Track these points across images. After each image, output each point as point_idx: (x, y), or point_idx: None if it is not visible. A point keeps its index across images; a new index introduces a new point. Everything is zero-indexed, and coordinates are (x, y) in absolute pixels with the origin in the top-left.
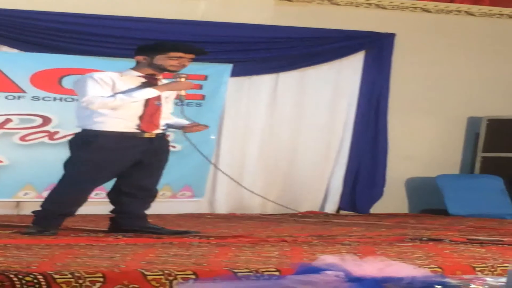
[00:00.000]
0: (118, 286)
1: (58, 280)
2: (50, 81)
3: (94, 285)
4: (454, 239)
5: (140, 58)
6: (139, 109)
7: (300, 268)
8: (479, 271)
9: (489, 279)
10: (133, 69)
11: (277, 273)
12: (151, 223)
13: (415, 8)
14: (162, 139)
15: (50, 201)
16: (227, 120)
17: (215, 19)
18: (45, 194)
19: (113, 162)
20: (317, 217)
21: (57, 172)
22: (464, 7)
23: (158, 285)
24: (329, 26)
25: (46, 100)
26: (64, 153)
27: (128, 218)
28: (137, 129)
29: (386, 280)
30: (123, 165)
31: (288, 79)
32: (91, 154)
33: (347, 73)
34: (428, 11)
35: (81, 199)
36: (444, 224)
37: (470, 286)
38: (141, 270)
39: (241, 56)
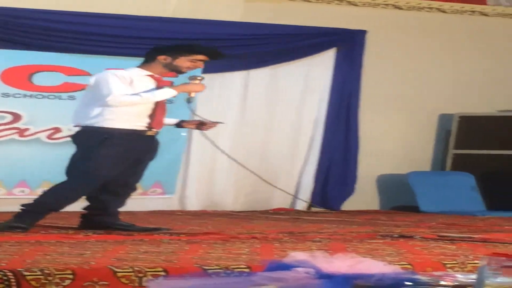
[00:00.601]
0: (88, 283)
1: (28, 277)
2: (20, 78)
3: (64, 282)
4: (424, 236)
5: (161, 57)
6: (148, 108)
7: (271, 265)
8: (449, 267)
9: (460, 276)
10: (142, 67)
11: (247, 270)
12: (122, 220)
13: (387, 5)
14: (155, 137)
15: (53, 195)
16: (198, 117)
17: (186, 16)
18: (16, 191)
19: (125, 158)
20: (288, 214)
21: (27, 169)
22: (436, 4)
23: (128, 282)
24: (300, 23)
25: (16, 97)
26: (35, 150)
27: (101, 215)
28: (147, 127)
29: (356, 277)
30: (129, 162)
31: (259, 76)
32: (109, 150)
33: (318, 70)
34: (399, 8)
35: (86, 195)
36: (415, 221)
37: (441, 283)
38: (111, 267)
39: None
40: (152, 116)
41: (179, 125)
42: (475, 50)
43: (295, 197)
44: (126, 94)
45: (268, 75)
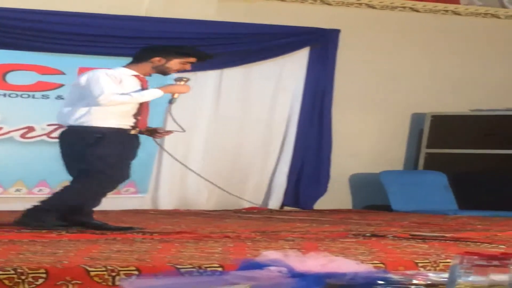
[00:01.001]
0: (61, 282)
1: (1, 276)
2: None
3: (37, 281)
4: (397, 235)
5: (156, 59)
6: (134, 107)
7: (243, 264)
8: (421, 266)
9: (432, 275)
10: (129, 67)
11: (220, 269)
12: (95, 219)
13: (360, 4)
14: (138, 136)
15: (69, 196)
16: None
17: (159, 15)
18: None
19: (119, 157)
20: (261, 213)
21: (0, 168)
22: (409, 3)
23: (101, 281)
24: (274, 22)
25: None
26: (8, 149)
27: (76, 214)
28: (132, 126)
29: (328, 276)
30: (121, 160)
31: (233, 75)
32: (104, 149)
33: (291, 69)
34: (373, 7)
35: (108, 191)
36: (387, 220)
37: (413, 282)
38: (84, 266)
39: None
40: (136, 115)
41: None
42: (448, 49)
43: (239, 197)
44: (116, 93)
45: (241, 74)
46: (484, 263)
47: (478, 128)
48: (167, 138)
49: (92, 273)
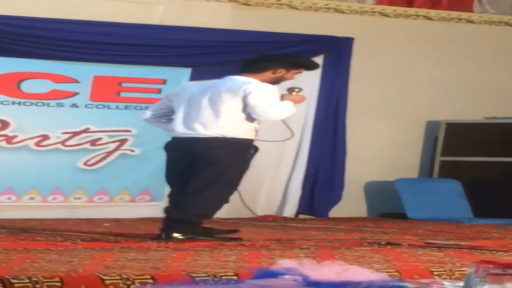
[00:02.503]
0: None
1: (16, 285)
2: (8, 85)
3: None
4: (412, 243)
5: (280, 70)
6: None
7: (258, 272)
8: (437, 275)
9: (447, 283)
10: (250, 76)
11: (235, 277)
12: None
13: (374, 12)
14: None
15: (207, 204)
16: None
17: (173, 23)
18: (2, 198)
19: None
20: (276, 221)
21: (14, 176)
22: (422, 11)
23: None
24: (288, 30)
25: (4, 104)
26: (22, 157)
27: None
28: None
29: (343, 284)
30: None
31: None
32: (249, 162)
33: (306, 76)
34: (386, 15)
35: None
36: (402, 228)
37: None
38: (98, 274)
39: (199, 60)
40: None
41: None
42: (461, 57)
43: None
44: (286, 108)
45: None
46: (500, 271)
47: (492, 136)
48: None
49: (107, 282)
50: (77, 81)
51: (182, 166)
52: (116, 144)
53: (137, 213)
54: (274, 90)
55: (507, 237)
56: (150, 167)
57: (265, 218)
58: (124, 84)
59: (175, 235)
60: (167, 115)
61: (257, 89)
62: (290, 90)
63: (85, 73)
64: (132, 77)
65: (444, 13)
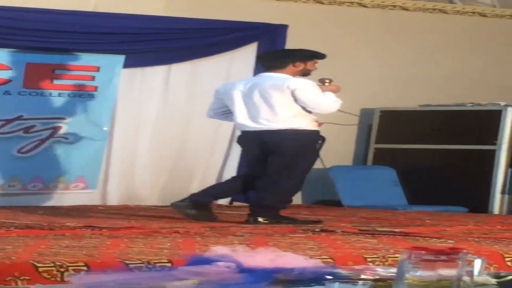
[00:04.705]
0: (9, 278)
1: None
2: None
3: None
4: (346, 230)
5: (299, 64)
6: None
7: (192, 259)
8: (370, 261)
9: (380, 270)
10: (279, 72)
11: (169, 264)
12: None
13: None
14: None
15: (289, 191)
16: (120, 112)
17: (107, 10)
18: None
19: None
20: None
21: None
22: None
23: (49, 276)
24: (221, 17)
25: None
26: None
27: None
28: None
29: (277, 271)
30: None
31: (181, 70)
32: (319, 150)
33: (239, 64)
34: (320, 2)
35: None
36: (337, 215)
37: (361, 277)
38: (32, 261)
39: (133, 47)
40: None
41: None
42: (396, 44)
43: None
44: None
45: (189, 70)
46: (432, 258)
47: (427, 124)
48: (115, 136)
49: (40, 269)
50: (10, 68)
51: (258, 155)
52: (50, 131)
53: (72, 201)
54: (314, 83)
55: (440, 224)
56: (84, 155)
57: None
58: (57, 72)
59: (260, 219)
60: (226, 112)
61: (301, 84)
62: (322, 81)
63: (18, 60)
64: (65, 64)
65: (378, 0)
